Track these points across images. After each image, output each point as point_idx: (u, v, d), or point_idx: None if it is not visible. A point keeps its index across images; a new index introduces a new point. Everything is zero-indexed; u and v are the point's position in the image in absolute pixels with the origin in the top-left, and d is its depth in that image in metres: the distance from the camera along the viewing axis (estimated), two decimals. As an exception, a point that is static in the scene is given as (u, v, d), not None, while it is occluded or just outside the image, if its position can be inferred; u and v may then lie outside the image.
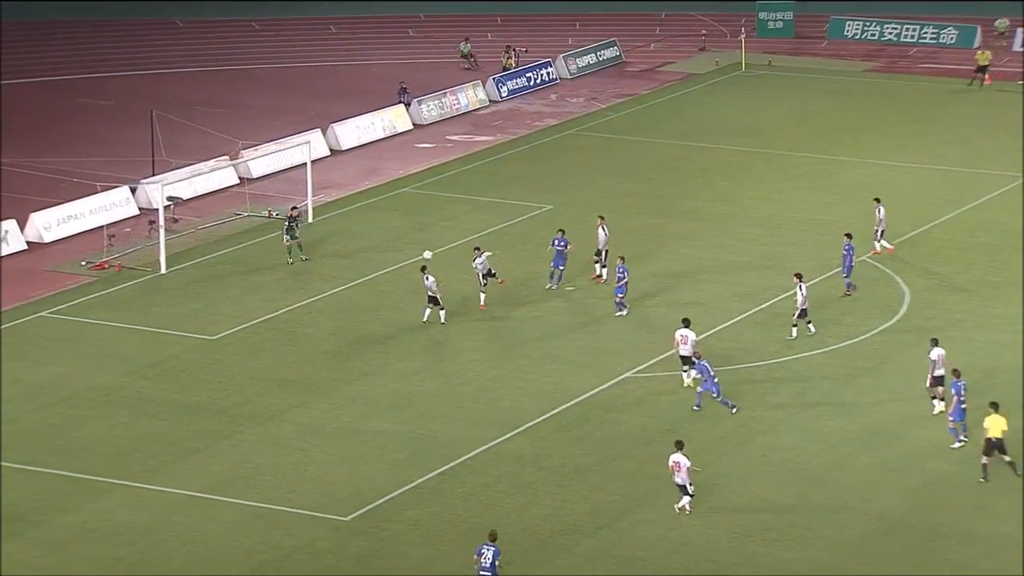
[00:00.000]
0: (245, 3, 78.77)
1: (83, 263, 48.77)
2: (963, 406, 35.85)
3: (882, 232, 48.32)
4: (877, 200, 48.91)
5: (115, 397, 39.64)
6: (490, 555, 30.64)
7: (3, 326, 43.92)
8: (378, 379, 40.88)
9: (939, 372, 37.63)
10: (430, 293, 43.37)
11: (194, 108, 63.16)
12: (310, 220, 52.57)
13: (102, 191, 52.73)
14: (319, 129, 60.53)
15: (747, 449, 36.99)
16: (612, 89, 69.79)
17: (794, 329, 42.52)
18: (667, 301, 45.98)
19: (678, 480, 33.84)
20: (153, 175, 54.34)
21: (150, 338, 43.16)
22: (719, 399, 38.31)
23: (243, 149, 57.28)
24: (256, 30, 76.75)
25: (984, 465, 34.79)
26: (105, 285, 47.12)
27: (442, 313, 43.65)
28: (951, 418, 36.05)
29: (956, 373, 36.26)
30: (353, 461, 36.43)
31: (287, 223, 48.83)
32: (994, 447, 34.68)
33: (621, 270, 44.24)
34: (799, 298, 42.36)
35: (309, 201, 52.98)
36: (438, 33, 76.97)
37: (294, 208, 50.05)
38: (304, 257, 48.53)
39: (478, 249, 45.30)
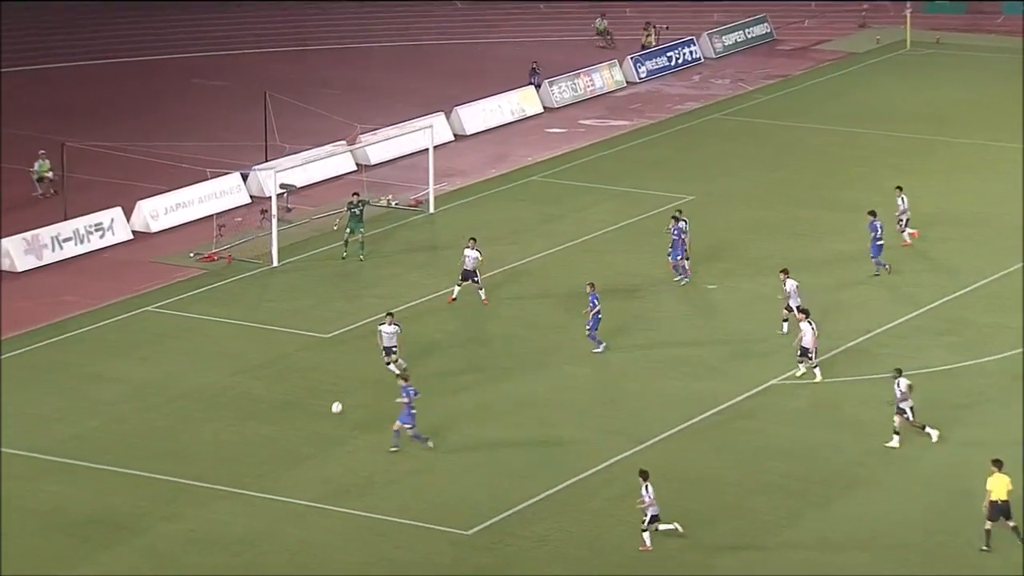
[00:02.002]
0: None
1: (191, 254, 49.61)
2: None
3: (907, 221, 48.25)
4: (899, 188, 48.54)
5: (223, 398, 40.28)
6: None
7: (108, 320, 44.77)
8: (501, 382, 41.05)
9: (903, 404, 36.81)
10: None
11: (311, 89, 63.92)
12: (431, 210, 52.97)
13: (212, 178, 53.58)
14: (443, 112, 60.93)
15: (897, 465, 36.56)
16: (761, 70, 69.36)
17: (785, 324, 42.52)
18: (818, 302, 45.59)
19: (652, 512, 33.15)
20: (266, 161, 55.09)
21: (260, 335, 43.78)
22: (411, 433, 37.05)
23: (361, 134, 57.86)
24: (378, 6, 77.41)
25: (988, 532, 32.66)
26: (214, 278, 47.88)
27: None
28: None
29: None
30: (475, 471, 36.64)
31: (351, 211, 48.43)
32: (1000, 511, 32.35)
33: (592, 299, 41.70)
34: (786, 291, 42.35)
35: (431, 190, 53.36)
36: (572, 9, 77.03)
37: (356, 194, 49.82)
38: (362, 257, 48.10)
39: (473, 240, 45.11)
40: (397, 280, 47.24)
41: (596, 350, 42.04)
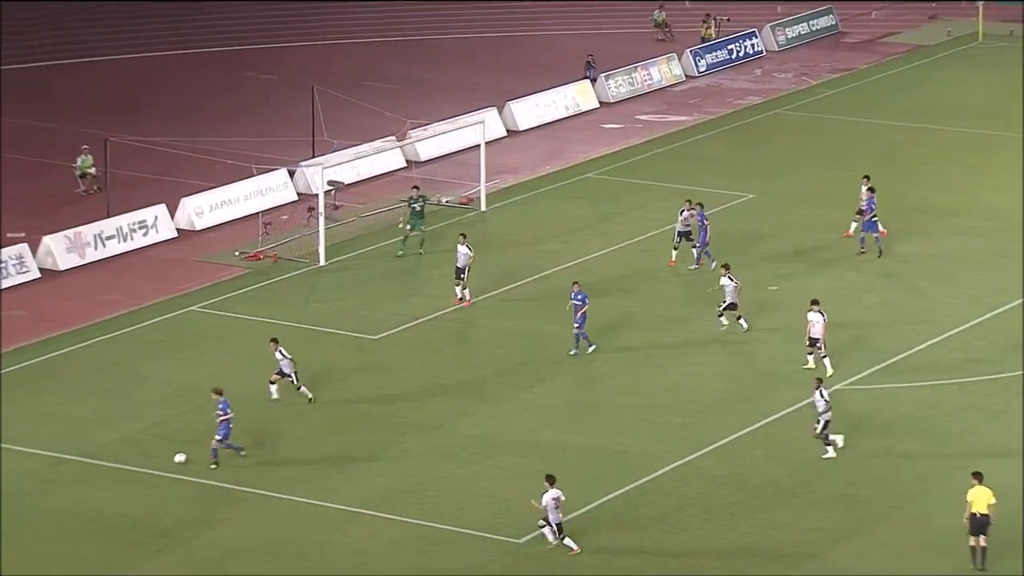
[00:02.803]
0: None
1: (236, 253, 49.94)
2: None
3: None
4: (866, 178, 49.06)
5: (268, 401, 40.52)
6: None
7: (152, 320, 45.14)
8: (556, 386, 41.16)
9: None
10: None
11: (360, 83, 64.20)
12: (483, 208, 53.13)
13: (258, 174, 53.91)
14: (495, 107, 61.08)
15: (960, 475, 36.44)
16: (826, 63, 69.20)
17: (722, 319, 43.01)
18: (884, 302, 45.51)
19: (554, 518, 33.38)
20: (313, 157, 55.39)
21: (306, 337, 44.04)
22: (224, 444, 36.98)
23: (411, 129, 58.07)
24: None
25: (973, 548, 32.50)
26: (259, 277, 48.19)
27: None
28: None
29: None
30: (527, 477, 36.73)
31: (411, 206, 48.62)
32: (980, 525, 32.20)
33: (580, 297, 42.06)
34: (728, 289, 42.62)
35: (482, 187, 53.50)
36: (629, 1, 77.00)
37: (415, 187, 49.99)
38: (421, 252, 48.19)
39: (464, 236, 45.36)
40: (446, 280, 47.36)
41: (573, 352, 42.05)
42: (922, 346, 42.10)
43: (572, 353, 42.17)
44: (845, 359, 41.80)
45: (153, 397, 40.68)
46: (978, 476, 32.89)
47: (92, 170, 54.87)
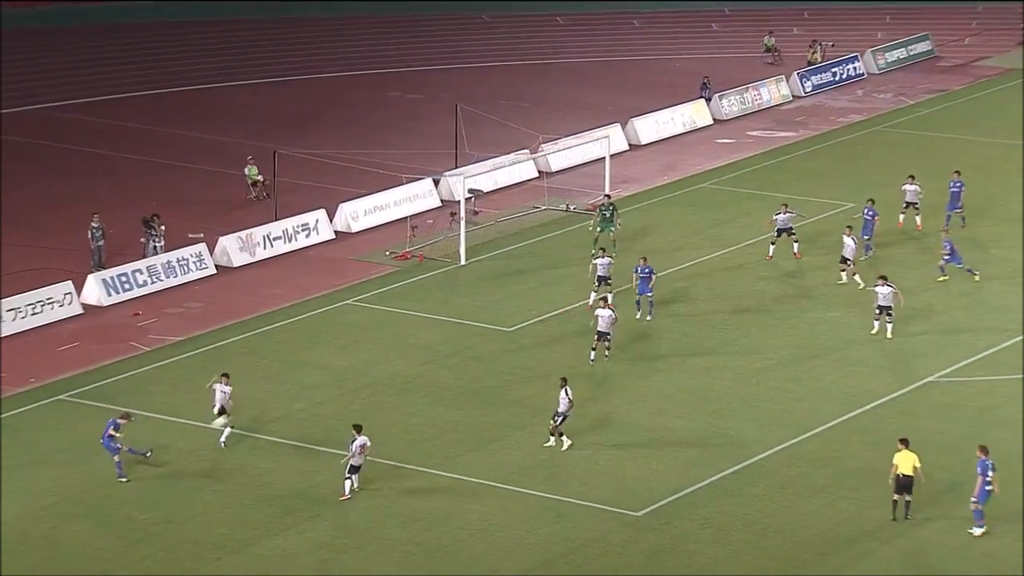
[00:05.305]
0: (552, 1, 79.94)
1: (387, 253, 50.48)
2: (988, 488, 33.07)
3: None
4: (911, 177, 50.04)
5: (414, 385, 40.97)
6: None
7: (312, 312, 45.81)
8: (672, 375, 41.20)
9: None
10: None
11: (498, 102, 64.54)
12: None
13: (407, 183, 54.44)
14: (619, 123, 61.13)
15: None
16: (922, 84, 68.44)
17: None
18: (973, 303, 45.01)
19: (357, 463, 34.60)
20: (456, 167, 55.83)
21: (448, 328, 44.42)
22: (128, 451, 35.85)
23: (543, 143, 58.30)
24: (560, 24, 77.85)
25: (895, 503, 33.39)
26: (407, 275, 48.68)
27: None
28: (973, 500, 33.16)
29: (983, 450, 33.41)
30: (645, 457, 36.84)
31: (601, 212, 49.06)
32: (903, 486, 33.33)
33: (647, 271, 43.66)
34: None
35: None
36: (742, 27, 76.69)
37: (607, 196, 50.59)
38: (615, 253, 47.47)
39: (603, 251, 45.51)
40: (572, 280, 47.55)
41: (648, 318, 43.48)
42: (994, 350, 41.56)
43: (638, 317, 43.21)
44: (937, 352, 41.34)
45: (312, 380, 41.25)
46: (904, 442, 33.62)
47: (259, 178, 55.76)
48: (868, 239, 47.96)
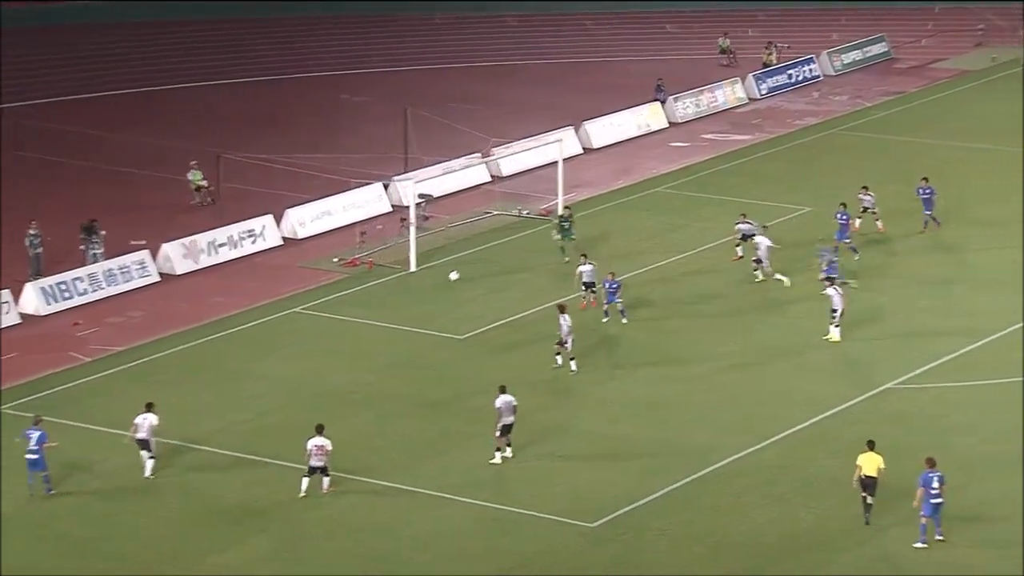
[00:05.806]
0: (499, 1, 79.43)
1: (335, 259, 49.79)
2: (935, 501, 32.65)
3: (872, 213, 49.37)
4: (864, 188, 50.06)
5: (362, 395, 40.30)
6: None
7: (258, 321, 45.04)
8: (627, 383, 40.66)
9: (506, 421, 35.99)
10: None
11: (448, 105, 63.93)
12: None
13: (355, 187, 53.75)
14: (572, 127, 60.61)
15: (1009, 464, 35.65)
16: (879, 87, 68.24)
17: (558, 358, 40.78)
18: (934, 309, 44.68)
19: (316, 463, 34.57)
20: (405, 172, 55.17)
21: (398, 336, 43.78)
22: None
23: (494, 147, 57.72)
24: (512, 26, 77.32)
25: (864, 499, 33.27)
26: (356, 282, 48.00)
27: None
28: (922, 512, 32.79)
29: (930, 462, 33.12)
30: (600, 466, 36.27)
31: (560, 223, 48.89)
32: (868, 487, 33.27)
33: (614, 286, 43.66)
34: (563, 328, 40.43)
35: (559, 200, 53.02)
36: (696, 28, 76.35)
37: (567, 207, 50.37)
38: (566, 260, 47.89)
39: (584, 256, 45.11)
40: (525, 285, 47.00)
41: (623, 320, 43.53)
42: (964, 350, 41.20)
43: (604, 321, 43.42)
44: (894, 358, 40.99)
45: (256, 391, 40.52)
46: (871, 444, 33.60)
47: (203, 183, 54.92)
48: (849, 242, 47.76)
